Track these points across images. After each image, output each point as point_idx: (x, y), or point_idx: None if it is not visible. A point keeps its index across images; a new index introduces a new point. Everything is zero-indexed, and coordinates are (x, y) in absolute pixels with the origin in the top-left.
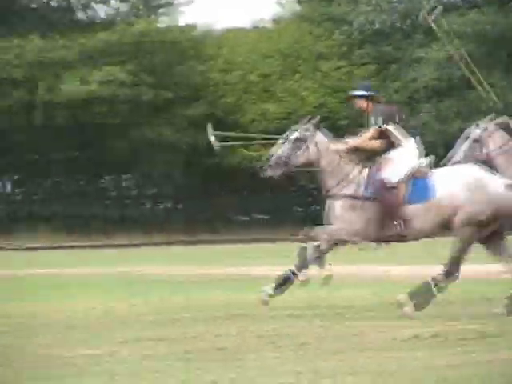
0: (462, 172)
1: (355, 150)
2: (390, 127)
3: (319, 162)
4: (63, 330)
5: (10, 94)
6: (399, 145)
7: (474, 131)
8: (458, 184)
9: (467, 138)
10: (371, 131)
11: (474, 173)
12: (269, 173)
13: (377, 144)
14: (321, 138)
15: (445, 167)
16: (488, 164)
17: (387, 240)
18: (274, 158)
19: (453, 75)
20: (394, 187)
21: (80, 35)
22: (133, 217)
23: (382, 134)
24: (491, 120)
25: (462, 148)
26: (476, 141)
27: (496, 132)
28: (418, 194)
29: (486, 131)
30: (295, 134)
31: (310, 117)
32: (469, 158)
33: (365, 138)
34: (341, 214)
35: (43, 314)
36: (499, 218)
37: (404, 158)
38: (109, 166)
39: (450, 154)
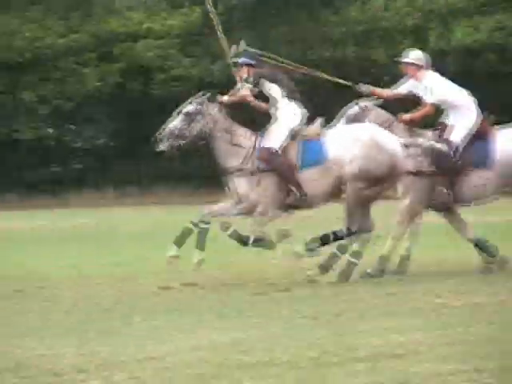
0: (356, 130)
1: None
2: (266, 85)
3: (213, 138)
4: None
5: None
6: (275, 105)
7: (352, 108)
8: (350, 142)
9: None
10: (242, 91)
11: (368, 130)
12: (159, 146)
13: (243, 94)
14: (215, 112)
15: (337, 127)
16: None
17: (288, 208)
18: (165, 131)
19: None
20: (279, 153)
21: None
22: None
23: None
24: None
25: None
26: (351, 118)
27: (373, 110)
28: (311, 157)
29: (363, 109)
30: (188, 107)
31: (205, 91)
32: None
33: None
34: (246, 193)
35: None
36: (394, 177)
37: (282, 122)
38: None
39: None
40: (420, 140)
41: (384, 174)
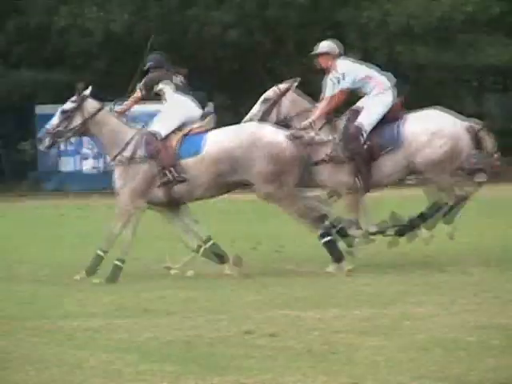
0: (240, 127)
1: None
2: (159, 85)
3: (96, 131)
4: None
5: None
6: (164, 99)
7: (269, 91)
8: (231, 138)
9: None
10: (134, 95)
11: (250, 127)
12: (40, 146)
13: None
14: (92, 106)
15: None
16: (282, 124)
17: (172, 201)
18: (44, 130)
19: None
20: (163, 141)
21: None
22: None
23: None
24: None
25: (257, 108)
26: (267, 100)
27: (289, 93)
28: (190, 149)
29: (279, 92)
30: (65, 105)
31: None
32: (265, 118)
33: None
34: (123, 181)
35: None
36: (289, 168)
37: (169, 114)
38: None
39: (248, 116)
40: (302, 132)
41: (271, 168)
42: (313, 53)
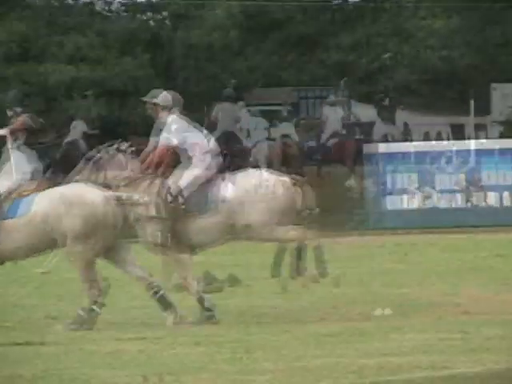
0: (63, 189)
1: None
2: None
3: None
4: None
5: None
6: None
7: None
8: (51, 199)
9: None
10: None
11: (75, 189)
12: None
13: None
14: None
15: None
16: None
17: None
18: None
19: None
20: None
21: None
22: None
23: None
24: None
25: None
26: (96, 163)
27: (115, 156)
28: (16, 209)
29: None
30: None
31: None
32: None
33: None
34: None
35: None
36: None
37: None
38: None
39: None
40: (119, 194)
41: (88, 228)
42: (144, 99)
